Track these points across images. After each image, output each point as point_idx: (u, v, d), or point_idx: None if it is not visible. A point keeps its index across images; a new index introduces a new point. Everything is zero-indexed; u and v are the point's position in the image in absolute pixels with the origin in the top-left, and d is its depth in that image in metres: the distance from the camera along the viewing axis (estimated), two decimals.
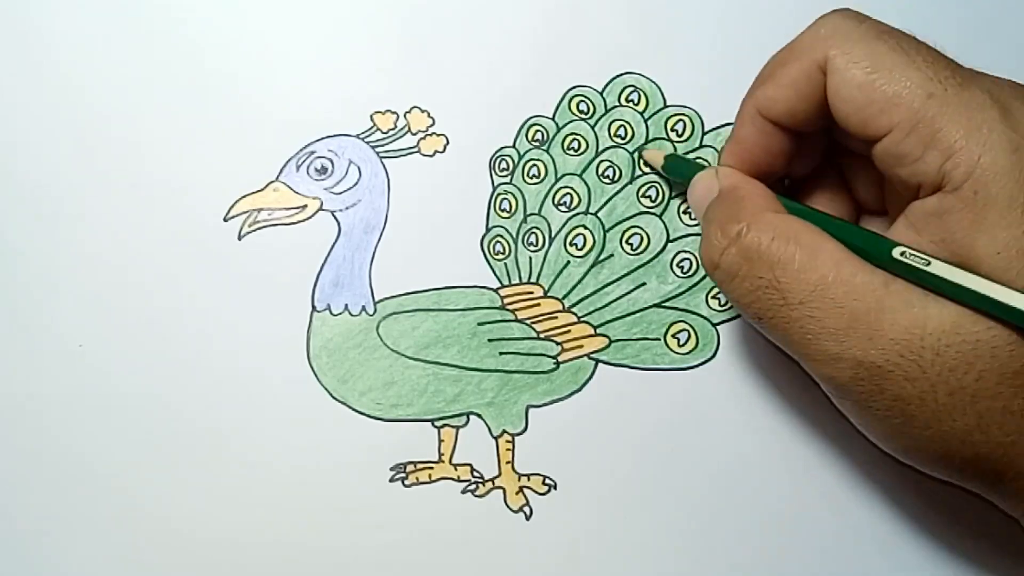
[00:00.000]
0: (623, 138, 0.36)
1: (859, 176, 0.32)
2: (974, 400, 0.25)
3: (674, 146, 0.36)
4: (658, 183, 0.36)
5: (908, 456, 0.28)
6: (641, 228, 0.36)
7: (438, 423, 0.35)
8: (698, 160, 0.36)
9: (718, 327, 0.35)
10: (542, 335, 0.35)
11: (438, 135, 0.36)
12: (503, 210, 0.36)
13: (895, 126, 0.26)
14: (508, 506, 0.34)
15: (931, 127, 0.25)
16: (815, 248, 0.27)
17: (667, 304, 0.36)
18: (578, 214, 0.36)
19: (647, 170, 0.36)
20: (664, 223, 0.36)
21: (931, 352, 0.25)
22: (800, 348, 0.27)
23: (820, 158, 0.32)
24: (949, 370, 0.25)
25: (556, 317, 0.35)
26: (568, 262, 0.36)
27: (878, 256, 0.27)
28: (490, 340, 0.35)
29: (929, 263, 0.26)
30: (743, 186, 0.30)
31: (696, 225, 0.36)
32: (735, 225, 0.28)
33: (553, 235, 0.36)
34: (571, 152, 0.36)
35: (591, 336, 0.35)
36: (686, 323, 0.35)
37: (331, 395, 0.35)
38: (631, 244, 0.36)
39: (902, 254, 0.26)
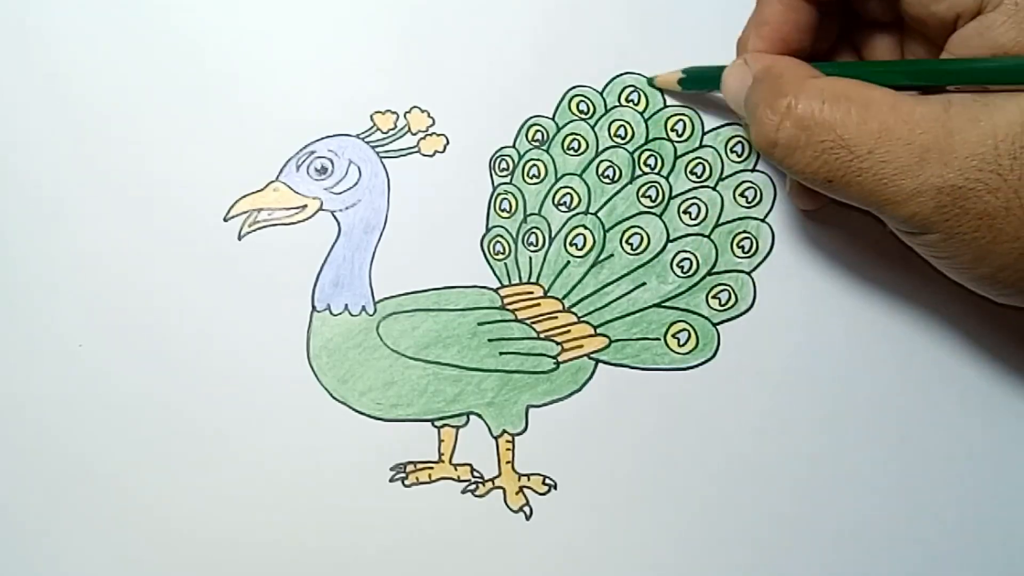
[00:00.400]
0: (623, 138, 0.36)
1: (876, 49, 0.33)
2: None
3: (674, 146, 0.36)
4: (658, 183, 0.36)
5: (996, 281, 0.28)
6: (641, 228, 0.36)
7: (438, 423, 0.35)
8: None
9: (718, 327, 0.35)
10: (542, 335, 0.35)
11: (438, 135, 0.36)
12: (503, 210, 0.36)
13: None
14: (508, 506, 0.34)
15: None
16: (867, 98, 0.27)
17: (667, 304, 0.36)
18: (578, 214, 0.36)
19: (647, 170, 0.36)
20: (664, 223, 0.36)
21: (1007, 157, 0.26)
22: (877, 196, 0.27)
23: (836, 33, 0.33)
24: None
25: (556, 317, 0.35)
26: (568, 262, 0.36)
27: (928, 78, 0.28)
28: (490, 340, 0.35)
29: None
30: (777, 63, 0.31)
31: (697, 224, 0.36)
32: (783, 99, 0.28)
33: (553, 235, 0.36)
34: (571, 152, 0.36)
35: (591, 336, 0.35)
36: (686, 323, 0.35)
37: (331, 395, 0.35)
38: (631, 244, 0.36)
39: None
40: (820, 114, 0.28)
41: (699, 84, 0.35)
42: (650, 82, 0.36)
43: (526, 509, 0.34)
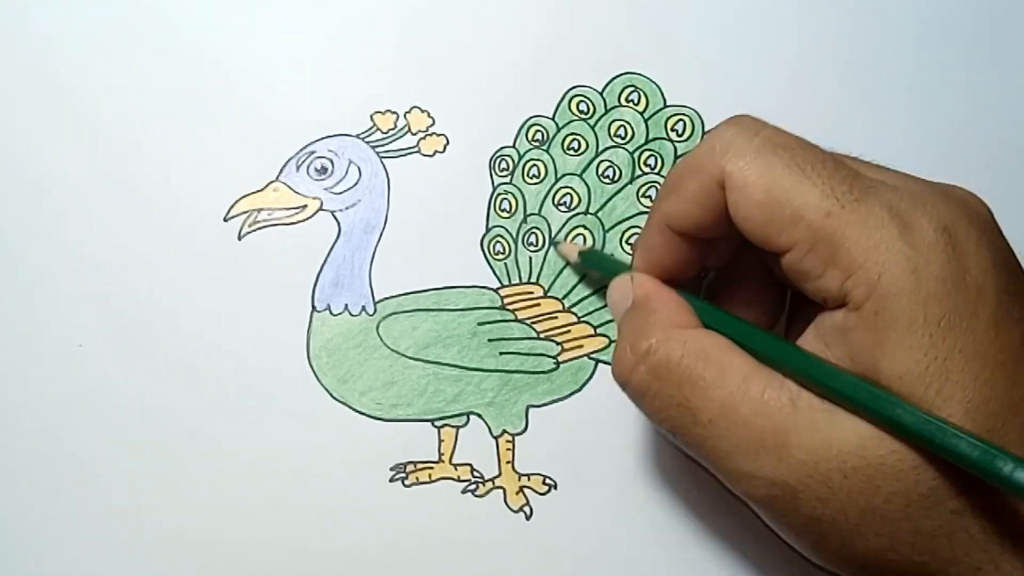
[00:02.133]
0: (623, 138, 0.36)
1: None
2: (884, 521, 0.24)
3: (674, 146, 0.36)
4: (658, 183, 0.36)
5: (831, 567, 0.27)
6: (641, 228, 0.36)
7: (438, 423, 0.35)
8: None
9: None
10: (542, 335, 0.35)
11: (438, 135, 0.36)
12: (503, 210, 0.36)
13: (795, 244, 0.25)
14: (508, 506, 0.34)
15: (830, 245, 0.25)
16: (723, 364, 0.26)
17: None
18: (578, 214, 0.36)
19: (647, 170, 0.36)
20: None
21: (839, 474, 0.24)
22: (715, 466, 0.27)
23: (734, 251, 0.31)
24: (858, 492, 0.24)
25: (556, 317, 0.35)
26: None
27: (784, 364, 0.26)
28: (490, 340, 0.35)
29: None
30: (655, 297, 0.29)
31: None
32: (645, 341, 0.27)
33: (553, 235, 0.36)
34: (571, 152, 0.36)
35: (591, 336, 0.35)
36: None
37: (331, 395, 0.35)
38: (631, 244, 0.36)
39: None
40: (675, 368, 0.27)
41: (595, 266, 0.34)
42: (553, 244, 0.36)
43: (526, 509, 0.34)
